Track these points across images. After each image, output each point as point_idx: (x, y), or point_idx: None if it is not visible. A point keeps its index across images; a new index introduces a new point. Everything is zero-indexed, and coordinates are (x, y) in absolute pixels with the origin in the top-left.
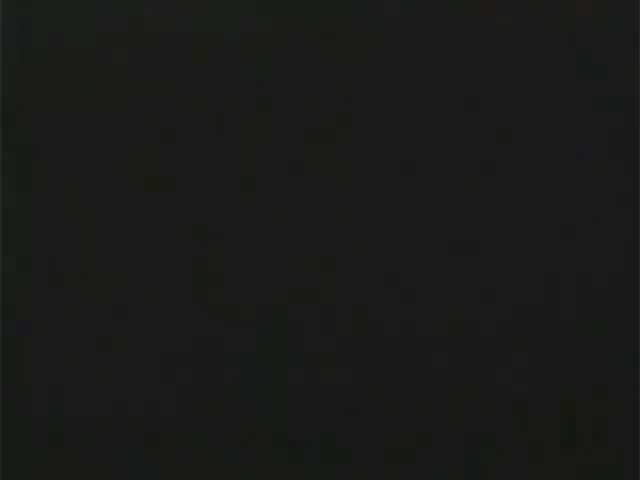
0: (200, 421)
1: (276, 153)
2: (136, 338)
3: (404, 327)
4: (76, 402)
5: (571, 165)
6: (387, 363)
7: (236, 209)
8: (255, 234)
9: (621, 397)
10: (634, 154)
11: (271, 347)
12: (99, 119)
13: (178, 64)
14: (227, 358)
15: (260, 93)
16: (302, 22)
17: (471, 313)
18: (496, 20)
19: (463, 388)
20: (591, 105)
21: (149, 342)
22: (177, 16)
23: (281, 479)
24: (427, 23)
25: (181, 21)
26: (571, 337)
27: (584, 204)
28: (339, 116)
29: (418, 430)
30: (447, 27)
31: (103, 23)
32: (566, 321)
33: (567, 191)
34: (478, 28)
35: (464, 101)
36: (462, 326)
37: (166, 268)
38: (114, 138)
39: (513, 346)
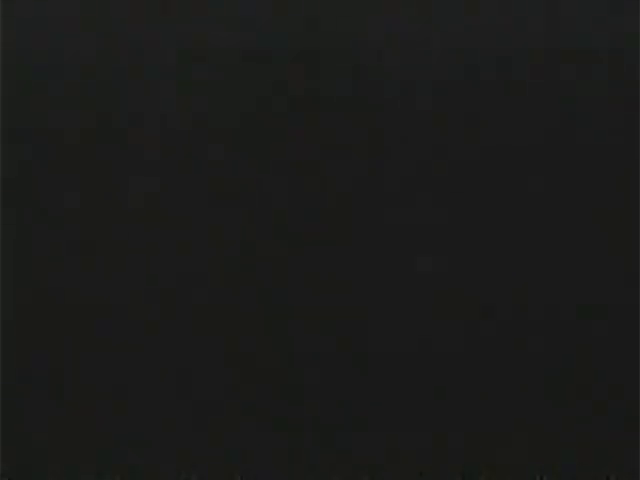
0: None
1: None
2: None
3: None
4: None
5: (570, 166)
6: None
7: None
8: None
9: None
10: (634, 154)
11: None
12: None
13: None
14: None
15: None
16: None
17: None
18: (496, 20)
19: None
20: (591, 105)
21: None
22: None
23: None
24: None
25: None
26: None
27: (583, 204)
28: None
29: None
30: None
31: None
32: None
33: (566, 191)
34: (478, 26)
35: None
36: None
37: (168, 272)
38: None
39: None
